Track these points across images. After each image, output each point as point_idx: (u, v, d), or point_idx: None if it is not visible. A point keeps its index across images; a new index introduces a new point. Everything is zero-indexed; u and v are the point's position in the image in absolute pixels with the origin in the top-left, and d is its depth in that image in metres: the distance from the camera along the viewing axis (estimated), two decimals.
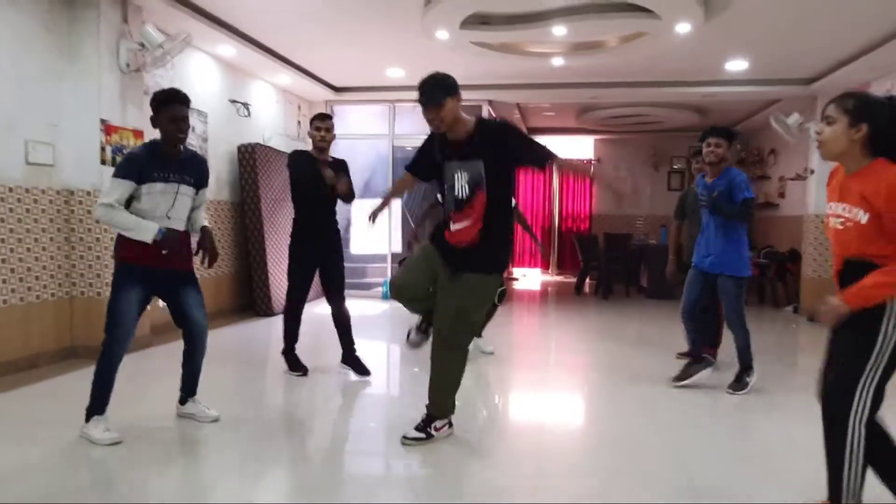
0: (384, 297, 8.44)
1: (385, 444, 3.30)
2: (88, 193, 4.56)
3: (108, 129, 4.61)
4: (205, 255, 3.24)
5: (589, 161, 11.66)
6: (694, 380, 4.11)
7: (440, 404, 3.10)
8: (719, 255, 4.00)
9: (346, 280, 4.38)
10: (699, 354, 4.22)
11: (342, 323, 4.32)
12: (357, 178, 10.17)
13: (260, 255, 6.86)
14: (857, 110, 2.15)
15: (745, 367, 4.09)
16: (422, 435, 3.07)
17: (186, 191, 3.16)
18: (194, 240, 3.28)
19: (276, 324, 6.63)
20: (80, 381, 4.05)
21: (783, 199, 9.05)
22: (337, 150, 8.97)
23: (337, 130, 9.40)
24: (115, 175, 2.96)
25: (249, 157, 6.81)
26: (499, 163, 2.88)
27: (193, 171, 3.20)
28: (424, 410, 3.12)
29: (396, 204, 8.97)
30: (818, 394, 2.31)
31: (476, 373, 4.47)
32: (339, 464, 3.09)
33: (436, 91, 2.87)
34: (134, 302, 3.03)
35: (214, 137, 6.41)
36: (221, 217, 6.63)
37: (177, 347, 3.42)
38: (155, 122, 3.08)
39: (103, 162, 4.59)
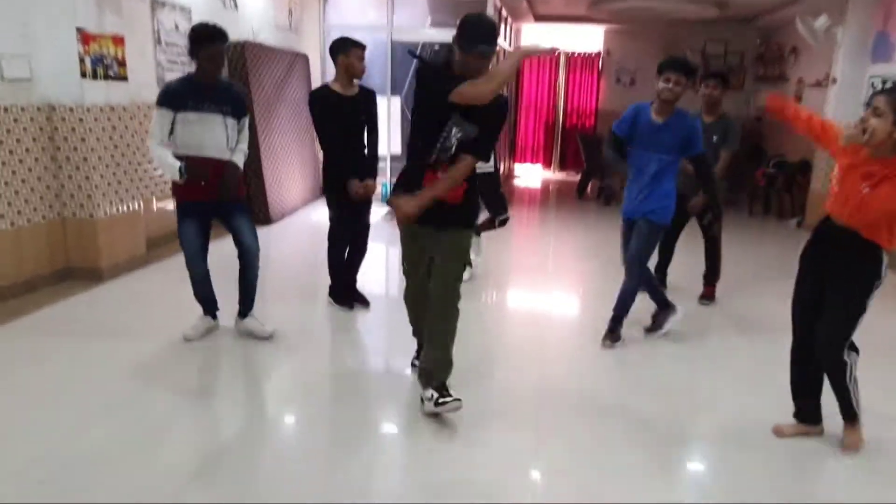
0: (382, 200, 8.32)
1: (384, 361, 3.68)
2: (71, 110, 4.29)
3: (85, 37, 4.26)
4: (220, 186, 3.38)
5: (598, 54, 11.07)
6: (666, 328, 3.89)
7: (444, 366, 2.85)
8: (647, 199, 3.59)
9: None
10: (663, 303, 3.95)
11: (357, 256, 4.22)
12: None
13: (255, 163, 6.63)
14: None
15: (618, 316, 3.78)
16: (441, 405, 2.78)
17: (229, 122, 3.36)
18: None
19: (275, 232, 6.60)
20: (80, 306, 4.10)
21: (799, 103, 8.68)
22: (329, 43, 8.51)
23: (331, 19, 8.78)
24: (156, 106, 3.22)
25: (239, 57, 6.39)
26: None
27: (230, 100, 3.37)
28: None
29: (395, 102, 8.59)
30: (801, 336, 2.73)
31: (474, 305, 4.48)
32: (344, 383, 3.17)
33: (496, 38, 2.53)
34: (192, 233, 3.44)
35: None
36: None
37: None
38: (193, 55, 3.25)
39: (84, 74, 4.28)
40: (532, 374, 3.39)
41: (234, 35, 6.50)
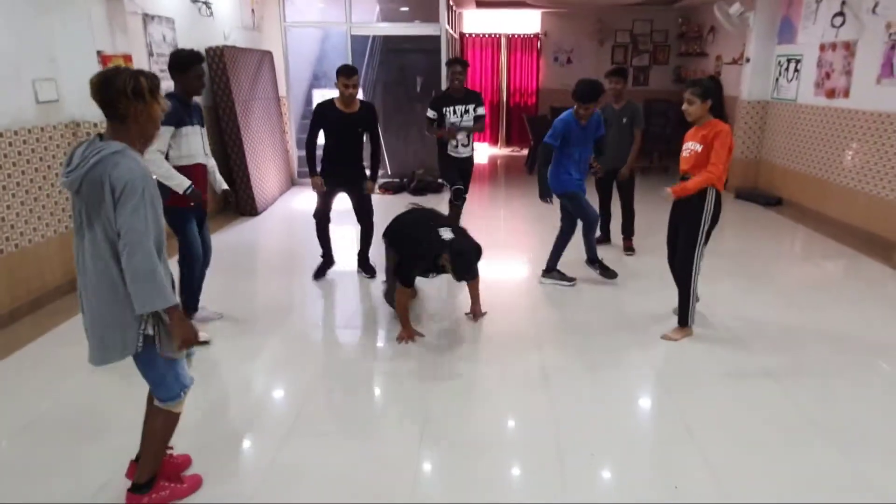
0: None
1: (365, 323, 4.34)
2: (95, 125, 4.71)
3: (104, 59, 4.68)
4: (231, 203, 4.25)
5: (536, 35, 11.84)
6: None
7: None
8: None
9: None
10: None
11: (366, 236, 5.06)
12: (309, 68, 10.10)
13: (239, 157, 7.10)
14: (705, 92, 3.57)
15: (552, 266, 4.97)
16: None
17: (202, 131, 3.86)
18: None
19: (262, 223, 7.09)
20: None
21: (720, 77, 9.73)
22: (290, 39, 8.87)
23: (289, 17, 9.14)
24: (162, 125, 3.38)
25: (219, 60, 6.81)
26: None
27: (198, 112, 3.85)
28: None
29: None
30: (669, 259, 4.01)
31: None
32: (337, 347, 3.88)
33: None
34: (194, 230, 3.86)
35: (184, 43, 6.35)
36: None
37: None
38: (179, 78, 3.67)
39: None
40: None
41: (213, 41, 6.91)
